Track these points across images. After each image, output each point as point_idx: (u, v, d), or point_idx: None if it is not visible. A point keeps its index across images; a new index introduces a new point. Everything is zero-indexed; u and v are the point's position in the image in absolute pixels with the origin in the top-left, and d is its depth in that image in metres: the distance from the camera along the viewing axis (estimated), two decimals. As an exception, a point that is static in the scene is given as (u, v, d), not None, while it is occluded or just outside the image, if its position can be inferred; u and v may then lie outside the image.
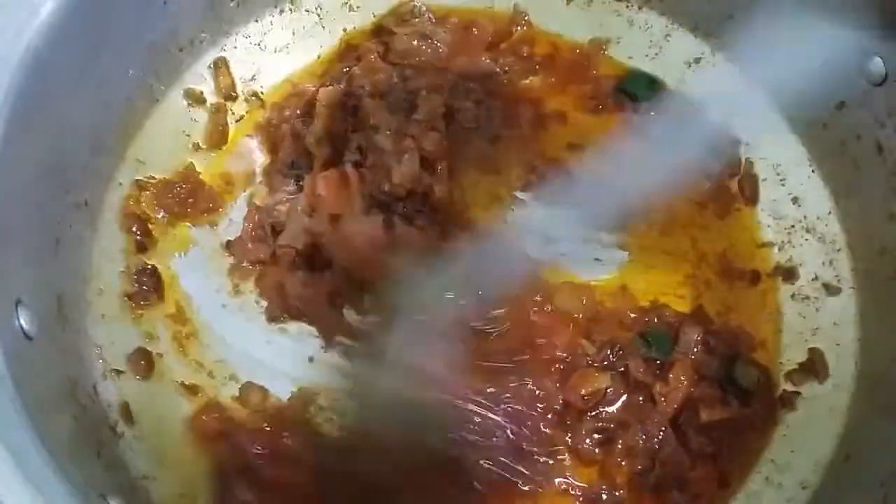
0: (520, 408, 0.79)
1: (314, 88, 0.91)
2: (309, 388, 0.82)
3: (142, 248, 0.84)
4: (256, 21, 0.94)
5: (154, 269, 0.84)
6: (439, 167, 0.86)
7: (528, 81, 0.94)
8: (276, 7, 0.94)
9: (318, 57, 0.95)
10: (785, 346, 0.86)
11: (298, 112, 0.90)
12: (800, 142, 0.90)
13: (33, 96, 0.69)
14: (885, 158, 0.81)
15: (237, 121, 0.92)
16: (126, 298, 0.82)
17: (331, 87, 0.89)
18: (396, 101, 0.88)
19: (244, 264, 0.86)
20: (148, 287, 0.83)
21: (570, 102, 0.93)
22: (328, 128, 0.87)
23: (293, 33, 0.95)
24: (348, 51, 0.94)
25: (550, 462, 0.79)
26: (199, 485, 0.77)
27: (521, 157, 0.89)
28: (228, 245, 0.87)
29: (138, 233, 0.85)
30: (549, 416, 0.80)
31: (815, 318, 0.86)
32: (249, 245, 0.86)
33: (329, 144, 0.87)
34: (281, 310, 0.84)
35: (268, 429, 0.80)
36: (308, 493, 0.77)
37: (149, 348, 0.82)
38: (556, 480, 0.79)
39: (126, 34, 0.80)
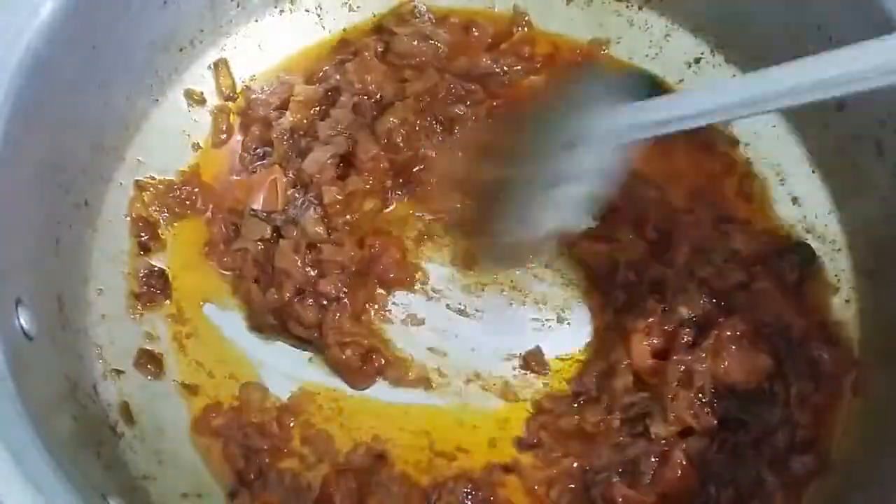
0: None
1: (299, 81, 0.91)
2: (309, 388, 0.82)
3: (145, 249, 0.84)
4: (256, 21, 0.94)
5: (161, 270, 0.84)
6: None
7: (529, 82, 0.94)
8: (276, 7, 0.94)
9: (318, 56, 0.95)
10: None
11: (278, 102, 0.90)
12: (800, 142, 0.90)
13: (33, 96, 0.69)
14: (885, 158, 0.81)
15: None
16: (133, 298, 0.83)
17: (311, 87, 0.89)
18: (368, 107, 0.88)
19: (222, 272, 0.85)
20: (156, 288, 0.83)
21: (570, 102, 0.93)
22: (296, 124, 0.87)
23: (293, 33, 0.95)
24: (344, 45, 0.94)
25: None
26: (200, 485, 0.77)
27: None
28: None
29: (145, 235, 0.85)
30: None
31: (816, 318, 0.86)
32: (221, 247, 0.86)
33: (291, 141, 0.87)
34: (256, 324, 0.83)
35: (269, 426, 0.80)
36: None
37: (149, 348, 0.82)
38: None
39: (126, 34, 0.80)
